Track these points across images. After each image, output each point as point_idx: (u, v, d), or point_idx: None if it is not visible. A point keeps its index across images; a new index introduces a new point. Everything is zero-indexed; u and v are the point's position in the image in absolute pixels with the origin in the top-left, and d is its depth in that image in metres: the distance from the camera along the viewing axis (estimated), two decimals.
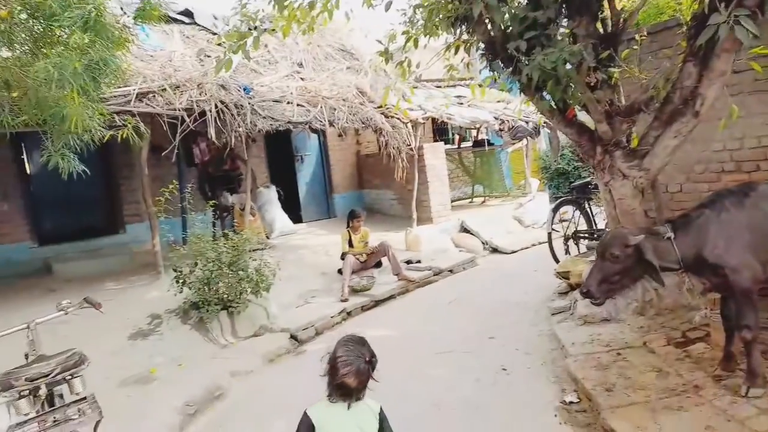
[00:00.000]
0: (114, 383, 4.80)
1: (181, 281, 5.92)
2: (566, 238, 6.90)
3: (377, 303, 7.03)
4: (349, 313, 6.69)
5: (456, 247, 9.18)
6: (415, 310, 6.64)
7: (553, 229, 7.15)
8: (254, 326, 6.11)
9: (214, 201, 6.77)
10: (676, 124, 4.09)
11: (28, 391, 2.16)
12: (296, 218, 10.74)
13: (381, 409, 2.29)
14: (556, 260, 6.88)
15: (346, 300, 6.87)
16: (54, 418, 1.88)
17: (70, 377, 2.32)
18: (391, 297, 7.22)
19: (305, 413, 2.24)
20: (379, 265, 7.84)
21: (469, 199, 12.23)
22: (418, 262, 8.30)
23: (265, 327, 6.09)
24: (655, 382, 3.58)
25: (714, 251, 3.24)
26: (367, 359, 2.20)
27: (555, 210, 7.04)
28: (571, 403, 3.71)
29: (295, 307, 6.88)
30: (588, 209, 7.15)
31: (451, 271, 8.19)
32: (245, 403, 4.52)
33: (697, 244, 3.32)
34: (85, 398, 1.98)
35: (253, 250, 6.58)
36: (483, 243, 9.47)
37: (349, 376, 2.14)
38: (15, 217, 7.97)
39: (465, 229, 9.86)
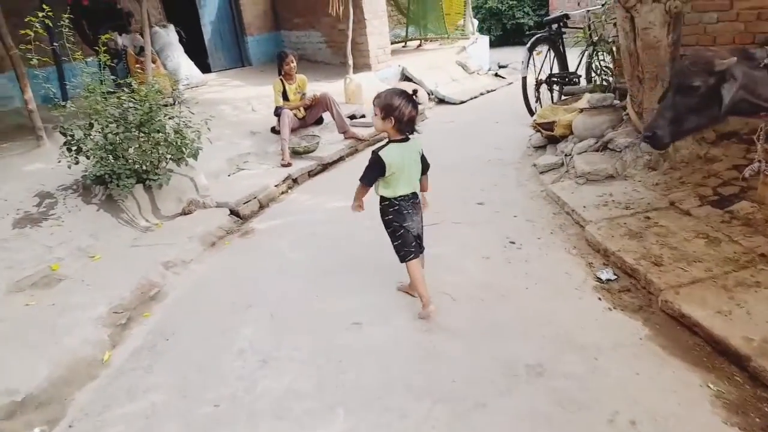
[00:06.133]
0: (5, 287, 3.58)
1: (74, 149, 4.48)
2: (538, 83, 6.05)
3: (325, 167, 6.00)
4: (295, 180, 5.63)
5: None
6: None
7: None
8: (181, 202, 4.92)
9: (103, 43, 5.02)
10: None
11: None
12: (203, 67, 8.98)
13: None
14: (530, 110, 6.08)
15: (288, 164, 5.77)
16: None
17: None
18: (340, 159, 6.20)
19: (378, 156, 2.70)
20: (320, 121, 6.67)
21: (403, 43, 10.87)
22: (363, 116, 7.20)
23: (196, 202, 4.93)
24: (709, 252, 3.03)
25: None
26: (412, 93, 2.72)
27: (531, 49, 6.05)
28: (608, 281, 3.11)
29: (227, 175, 5.70)
30: (561, 48, 6.26)
31: None
32: (191, 303, 3.53)
33: None
34: None
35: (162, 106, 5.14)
36: (428, 93, 8.46)
37: (412, 110, 2.66)
38: None
39: (406, 77, 8.74)
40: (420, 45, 10.72)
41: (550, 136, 5.36)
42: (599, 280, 3.13)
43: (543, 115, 5.48)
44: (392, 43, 10.64)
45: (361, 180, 2.83)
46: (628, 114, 4.53)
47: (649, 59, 4.01)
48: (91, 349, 3.09)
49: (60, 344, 3.06)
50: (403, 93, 2.67)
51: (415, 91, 2.75)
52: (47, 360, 2.93)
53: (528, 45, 5.98)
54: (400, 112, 2.63)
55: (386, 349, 2.72)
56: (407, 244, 2.92)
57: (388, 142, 2.76)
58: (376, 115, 2.72)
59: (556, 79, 6.12)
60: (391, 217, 2.89)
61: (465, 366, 2.50)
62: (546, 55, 6.20)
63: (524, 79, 6.02)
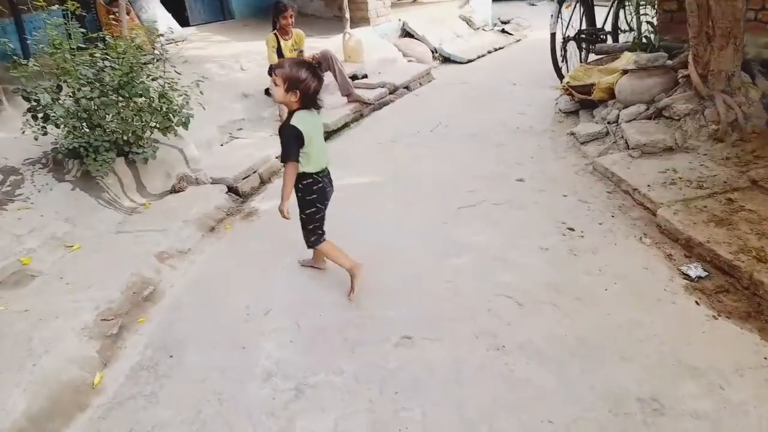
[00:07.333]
0: None
1: (41, 116, 3.77)
2: (566, 40, 5.44)
3: (328, 135, 5.36)
4: None
5: (404, 56, 7.40)
6: (388, 143, 5.04)
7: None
8: (170, 177, 4.28)
9: None
10: None
11: None
12: (181, 20, 8.09)
13: None
14: (558, 70, 5.49)
15: None
16: None
17: None
18: (345, 126, 5.56)
19: (293, 126, 2.51)
20: None
21: None
22: (365, 77, 6.53)
23: (187, 178, 4.28)
24: None
25: None
26: (316, 65, 2.63)
27: (561, 2, 5.38)
28: (698, 278, 2.63)
29: (220, 144, 5.04)
30: (590, 2, 5.63)
31: (407, 87, 6.55)
32: (195, 306, 2.95)
33: None
34: None
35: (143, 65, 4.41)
36: (432, 51, 7.77)
37: (318, 84, 2.54)
38: None
39: (407, 33, 8.01)
40: None
41: (583, 100, 4.80)
42: (687, 277, 2.65)
43: (576, 77, 4.90)
44: None
45: (287, 159, 2.53)
46: (686, 76, 3.99)
47: (723, 12, 3.45)
48: (78, 371, 2.52)
49: (39, 365, 2.47)
50: (309, 66, 2.54)
51: (319, 64, 2.50)
52: (24, 388, 2.35)
53: None
54: (306, 86, 2.48)
55: (452, 375, 2.20)
56: (322, 227, 2.81)
57: (293, 112, 2.55)
58: (277, 85, 2.51)
59: (585, 36, 5.53)
60: (315, 196, 2.69)
61: (559, 400, 2.01)
62: (574, 9, 5.58)
63: (553, 35, 5.39)
